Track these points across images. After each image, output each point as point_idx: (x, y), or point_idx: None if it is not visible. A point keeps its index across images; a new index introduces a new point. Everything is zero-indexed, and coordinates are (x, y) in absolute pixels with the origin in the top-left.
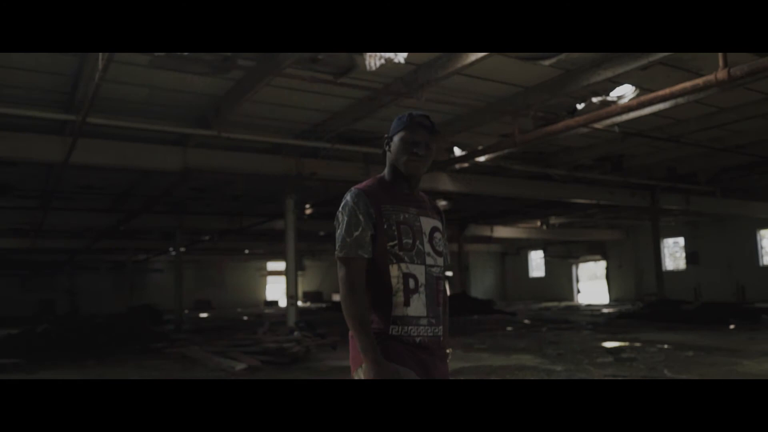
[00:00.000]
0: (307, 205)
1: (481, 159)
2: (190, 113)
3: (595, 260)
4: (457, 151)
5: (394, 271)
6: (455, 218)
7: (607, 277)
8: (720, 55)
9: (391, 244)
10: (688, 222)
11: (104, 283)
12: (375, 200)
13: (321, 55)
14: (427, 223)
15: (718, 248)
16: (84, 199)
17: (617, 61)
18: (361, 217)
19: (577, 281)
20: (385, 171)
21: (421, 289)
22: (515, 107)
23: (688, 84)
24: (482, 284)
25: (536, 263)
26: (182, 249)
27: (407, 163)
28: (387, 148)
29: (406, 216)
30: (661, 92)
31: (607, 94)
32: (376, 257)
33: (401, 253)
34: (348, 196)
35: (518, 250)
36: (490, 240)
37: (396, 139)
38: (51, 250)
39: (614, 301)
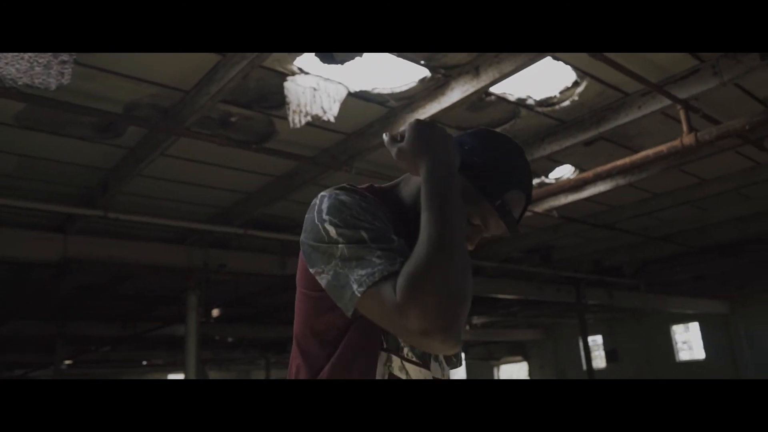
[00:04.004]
0: (215, 311)
1: None
2: (72, 191)
3: (516, 361)
4: None
5: (379, 366)
6: None
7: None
8: (683, 120)
9: None
10: (606, 319)
11: None
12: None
13: (234, 117)
14: None
15: (635, 345)
16: None
17: (563, 134)
18: (376, 222)
19: None
20: (403, 193)
21: None
22: None
23: (650, 151)
24: None
25: None
26: (66, 362)
27: (473, 242)
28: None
29: None
30: (620, 162)
31: (546, 176)
32: (358, 330)
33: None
34: (335, 196)
35: None
36: None
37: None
38: None
39: None
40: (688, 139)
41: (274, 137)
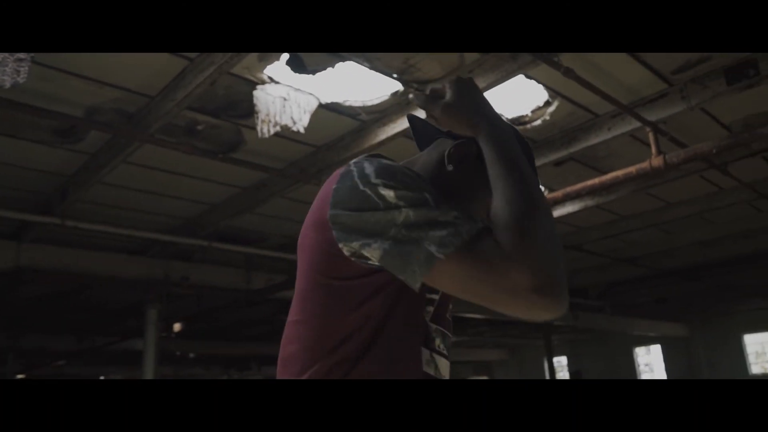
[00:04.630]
0: (176, 325)
1: None
2: (27, 197)
3: None
4: None
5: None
6: None
7: None
8: (652, 142)
9: (430, 296)
10: (571, 340)
11: None
12: None
13: (200, 125)
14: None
15: (599, 367)
16: None
17: (533, 153)
18: (431, 187)
19: None
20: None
21: None
22: None
23: (620, 172)
24: None
25: None
26: (19, 376)
27: None
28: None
29: None
30: (590, 182)
31: None
32: (398, 322)
33: (433, 330)
34: (378, 161)
35: None
36: None
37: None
38: None
39: None
40: (657, 161)
41: (241, 147)
